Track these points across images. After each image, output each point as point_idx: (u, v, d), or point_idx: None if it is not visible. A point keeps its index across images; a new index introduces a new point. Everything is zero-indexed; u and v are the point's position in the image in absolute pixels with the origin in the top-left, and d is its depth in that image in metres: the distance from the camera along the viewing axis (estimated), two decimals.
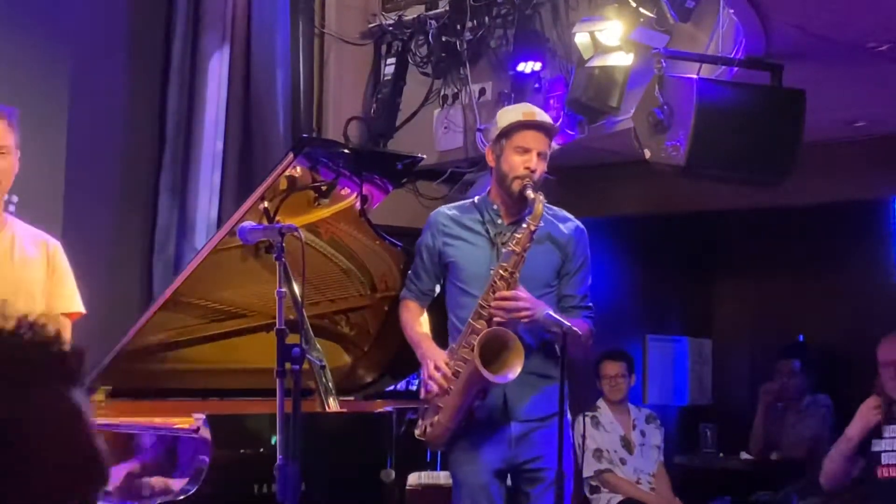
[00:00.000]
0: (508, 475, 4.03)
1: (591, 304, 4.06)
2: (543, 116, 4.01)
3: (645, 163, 4.65)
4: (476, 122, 6.47)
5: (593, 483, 6.10)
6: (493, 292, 3.84)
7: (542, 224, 3.85)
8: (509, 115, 4.00)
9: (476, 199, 4.09)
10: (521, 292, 3.83)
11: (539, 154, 3.91)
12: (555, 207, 4.10)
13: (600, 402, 6.30)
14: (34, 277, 3.59)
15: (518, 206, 3.88)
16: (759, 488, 6.64)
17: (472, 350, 3.76)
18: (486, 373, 3.71)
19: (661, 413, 6.72)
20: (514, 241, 3.84)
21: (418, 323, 4.14)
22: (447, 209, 4.13)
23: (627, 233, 7.39)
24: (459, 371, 3.84)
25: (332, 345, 5.16)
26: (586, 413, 6.02)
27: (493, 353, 3.77)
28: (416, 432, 4.00)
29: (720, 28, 4.91)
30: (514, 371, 3.75)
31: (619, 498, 6.10)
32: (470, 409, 3.90)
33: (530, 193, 3.83)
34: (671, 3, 4.90)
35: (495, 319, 3.82)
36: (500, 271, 3.84)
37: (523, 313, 3.81)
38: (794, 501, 6.36)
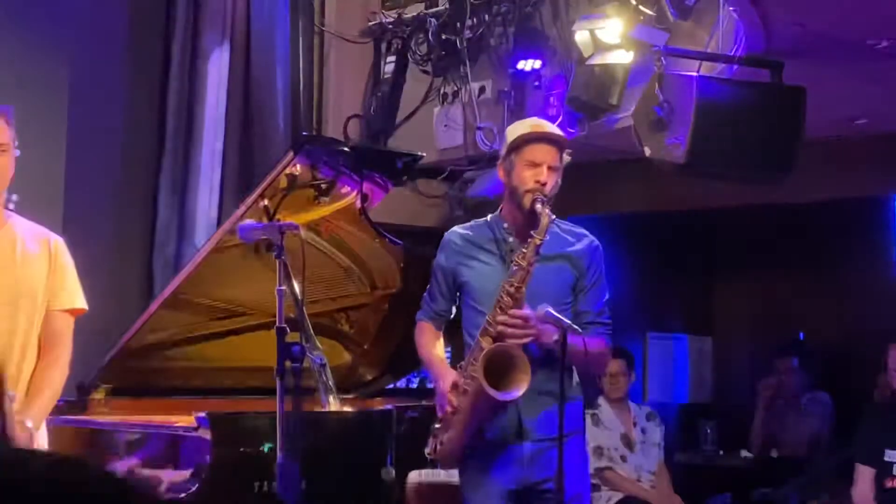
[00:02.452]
0: (521, 496, 3.94)
1: (608, 320, 3.99)
2: (553, 129, 3.95)
3: (645, 160, 4.65)
4: (476, 120, 6.46)
5: (594, 481, 6.10)
6: (500, 308, 3.81)
7: (547, 237, 3.78)
8: (518, 129, 3.94)
9: (489, 217, 4.04)
10: (524, 313, 3.78)
11: (550, 167, 3.83)
12: (569, 224, 4.05)
13: (601, 400, 6.30)
14: (36, 275, 3.57)
15: (530, 222, 3.81)
16: (759, 485, 6.64)
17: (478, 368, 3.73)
18: (490, 390, 3.68)
19: (662, 411, 6.72)
20: (519, 256, 3.79)
21: (433, 345, 4.08)
22: (460, 229, 4.08)
23: (628, 230, 7.39)
24: (468, 389, 3.81)
25: (332, 343, 5.17)
26: (587, 411, 6.02)
27: (500, 369, 3.73)
28: (427, 451, 3.95)
29: (720, 26, 4.91)
30: (521, 388, 3.70)
31: (620, 495, 6.10)
32: (480, 427, 3.86)
33: (539, 207, 3.78)
34: (671, 0, 4.90)
35: (508, 341, 3.78)
36: (507, 287, 3.79)
37: (530, 332, 3.77)
38: (793, 499, 6.36)
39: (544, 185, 3.80)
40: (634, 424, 6.29)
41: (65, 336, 3.64)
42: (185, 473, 4.04)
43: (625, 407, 6.33)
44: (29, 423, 3.37)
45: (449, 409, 3.83)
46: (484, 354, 3.71)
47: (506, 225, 3.94)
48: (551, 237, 3.87)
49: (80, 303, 3.67)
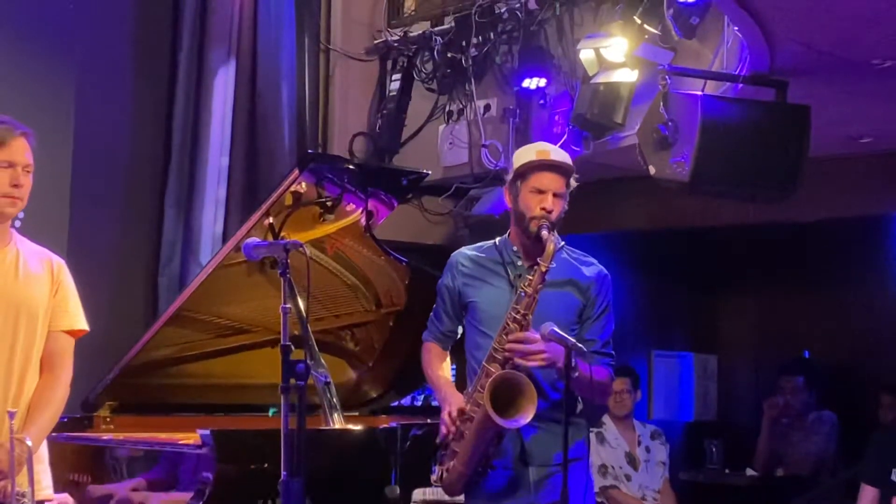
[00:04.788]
0: None
1: (612, 351, 3.99)
2: (559, 155, 3.93)
3: (650, 179, 4.66)
4: (481, 137, 6.48)
5: (598, 499, 6.09)
6: (506, 335, 3.80)
7: (554, 264, 3.79)
8: (524, 155, 3.95)
9: (497, 240, 4.04)
10: (533, 334, 3.78)
11: (555, 194, 3.84)
12: (578, 251, 4.05)
13: (605, 418, 6.29)
14: (38, 295, 3.59)
15: (536, 248, 3.82)
16: None
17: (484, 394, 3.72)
18: (496, 417, 3.67)
19: (667, 429, 6.71)
20: (526, 283, 3.80)
21: (440, 367, 4.07)
22: (467, 250, 4.08)
23: (632, 248, 7.39)
24: (474, 416, 3.80)
25: (337, 360, 5.16)
26: (591, 429, 6.00)
27: (506, 396, 3.72)
28: (433, 478, 3.95)
29: (725, 45, 4.93)
30: (527, 416, 3.69)
31: None
32: (485, 455, 3.86)
33: (544, 234, 3.79)
34: (676, 19, 4.92)
35: (513, 362, 3.77)
36: (513, 313, 3.79)
37: (538, 356, 3.76)
38: None
39: (550, 212, 3.82)
40: (639, 443, 6.28)
41: (66, 356, 3.66)
42: (189, 491, 4.03)
43: (629, 425, 6.32)
44: (29, 442, 3.37)
45: (449, 434, 3.83)
46: (490, 381, 3.70)
47: (515, 248, 3.95)
48: (560, 263, 3.87)
49: (82, 324, 3.70)
